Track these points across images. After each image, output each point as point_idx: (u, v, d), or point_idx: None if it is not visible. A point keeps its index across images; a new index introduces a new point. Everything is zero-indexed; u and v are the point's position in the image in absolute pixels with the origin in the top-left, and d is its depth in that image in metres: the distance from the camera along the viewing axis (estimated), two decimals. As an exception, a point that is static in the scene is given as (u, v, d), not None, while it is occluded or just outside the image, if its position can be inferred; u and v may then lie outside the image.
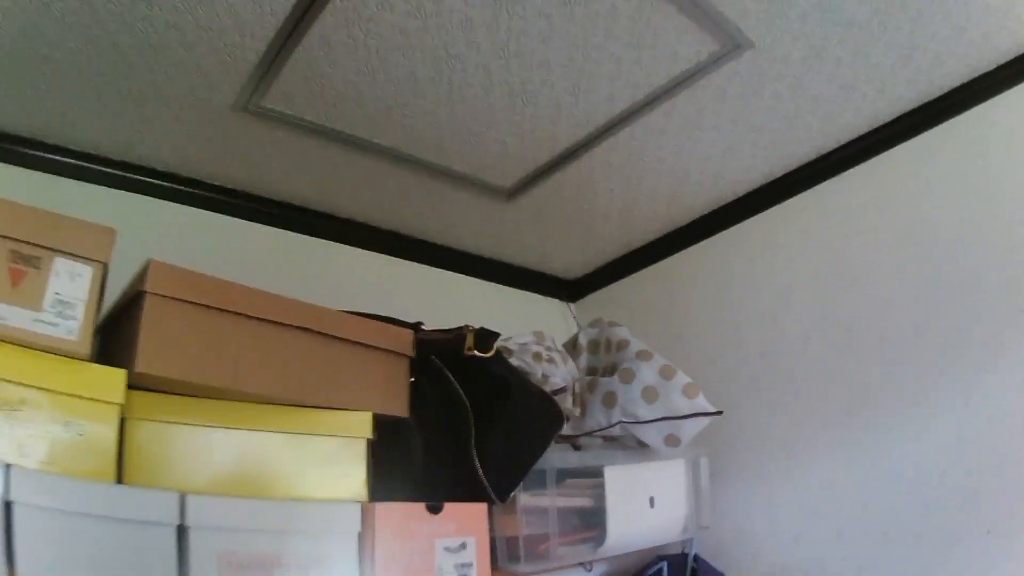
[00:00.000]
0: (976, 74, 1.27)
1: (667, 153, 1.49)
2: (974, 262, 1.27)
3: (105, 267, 0.87)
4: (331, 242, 1.69)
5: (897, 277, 1.38)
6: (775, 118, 1.38)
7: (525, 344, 1.44)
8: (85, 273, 0.84)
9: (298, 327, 1.02)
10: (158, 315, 0.87)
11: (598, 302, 2.08)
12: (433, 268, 1.85)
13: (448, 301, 1.79)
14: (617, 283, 2.01)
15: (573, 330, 2.06)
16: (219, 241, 1.49)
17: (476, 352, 1.20)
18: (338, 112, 1.33)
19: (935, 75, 1.27)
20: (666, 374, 1.35)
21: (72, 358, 0.81)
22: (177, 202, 1.48)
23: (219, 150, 1.42)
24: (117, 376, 0.83)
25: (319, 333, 1.04)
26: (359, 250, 1.73)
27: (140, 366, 0.84)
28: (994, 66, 1.26)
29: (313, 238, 1.67)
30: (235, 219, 1.55)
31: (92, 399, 0.80)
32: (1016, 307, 1.20)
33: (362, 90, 1.27)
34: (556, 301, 2.11)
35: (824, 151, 1.49)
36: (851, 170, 1.47)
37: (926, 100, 1.34)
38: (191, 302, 0.90)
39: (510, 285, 1.99)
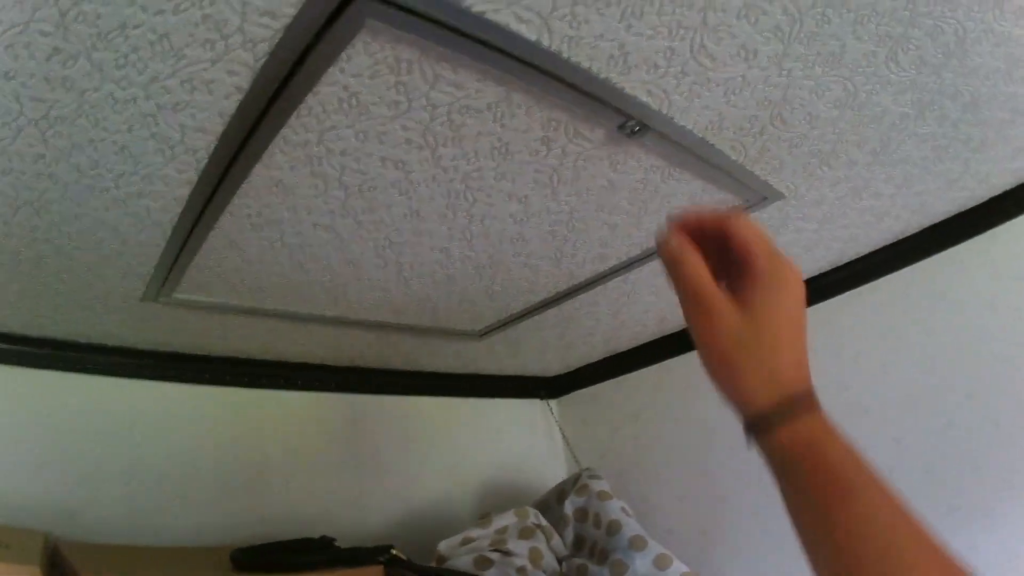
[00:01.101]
0: (1021, 182, 1.05)
1: (663, 289, 1.24)
2: (993, 400, 1.08)
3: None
4: (282, 391, 1.41)
5: (908, 411, 1.17)
6: (792, 247, 1.14)
7: (505, 528, 1.26)
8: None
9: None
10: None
11: (580, 401, 1.84)
12: (402, 396, 1.61)
13: (423, 427, 1.61)
14: (601, 384, 1.77)
15: (555, 431, 1.84)
16: (163, 409, 1.25)
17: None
18: (267, 295, 1.05)
19: (979, 191, 1.05)
20: (661, 564, 1.18)
21: None
22: (108, 375, 1.20)
23: (141, 327, 1.13)
24: None
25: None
26: (313, 393, 1.46)
27: None
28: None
29: (262, 390, 1.39)
30: (176, 384, 1.27)
31: None
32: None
33: (291, 278, 1.00)
34: (536, 401, 1.88)
35: (838, 264, 1.25)
36: (863, 286, 1.24)
37: (961, 211, 1.11)
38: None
39: (486, 396, 1.77)
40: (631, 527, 1.21)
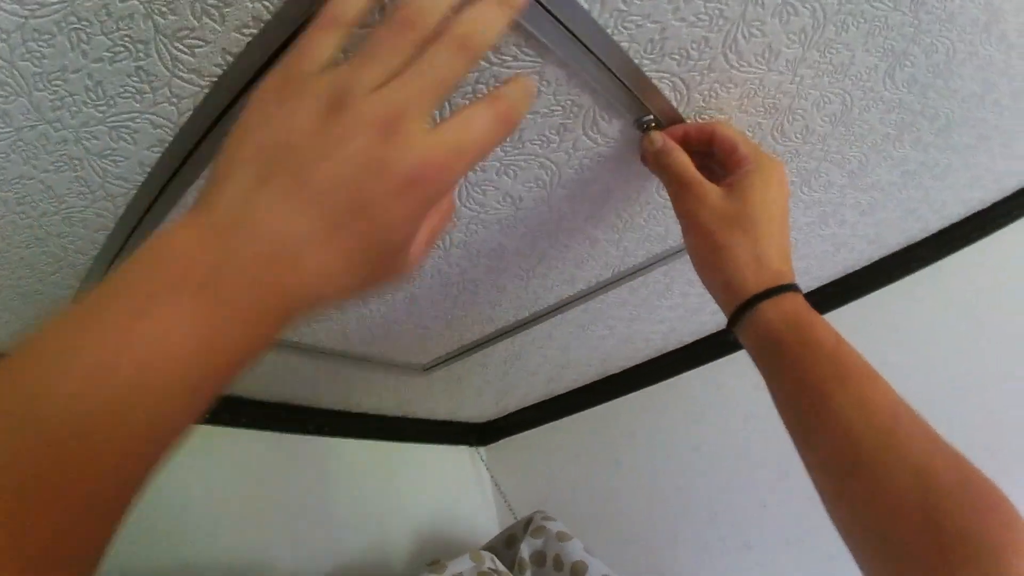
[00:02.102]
0: (971, 212, 1.12)
1: (620, 322, 1.23)
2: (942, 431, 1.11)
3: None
4: (206, 426, 1.29)
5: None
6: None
7: (460, 574, 1.16)
8: None
9: None
10: None
11: (512, 448, 1.79)
12: (334, 438, 1.51)
13: (356, 471, 1.52)
14: (535, 430, 1.73)
15: (485, 478, 1.77)
16: None
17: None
18: None
19: (932, 221, 1.11)
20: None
21: None
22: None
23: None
24: None
25: None
26: (240, 430, 1.34)
27: None
28: (987, 205, 1.11)
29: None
30: None
31: None
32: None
33: None
34: (465, 448, 1.82)
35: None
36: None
37: (911, 243, 1.17)
38: None
39: (418, 440, 1.69)
40: (597, 567, 1.16)
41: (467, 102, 0.64)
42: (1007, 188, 1.09)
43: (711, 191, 0.65)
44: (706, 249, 0.65)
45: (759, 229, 0.62)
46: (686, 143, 0.71)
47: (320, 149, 0.36)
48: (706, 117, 0.74)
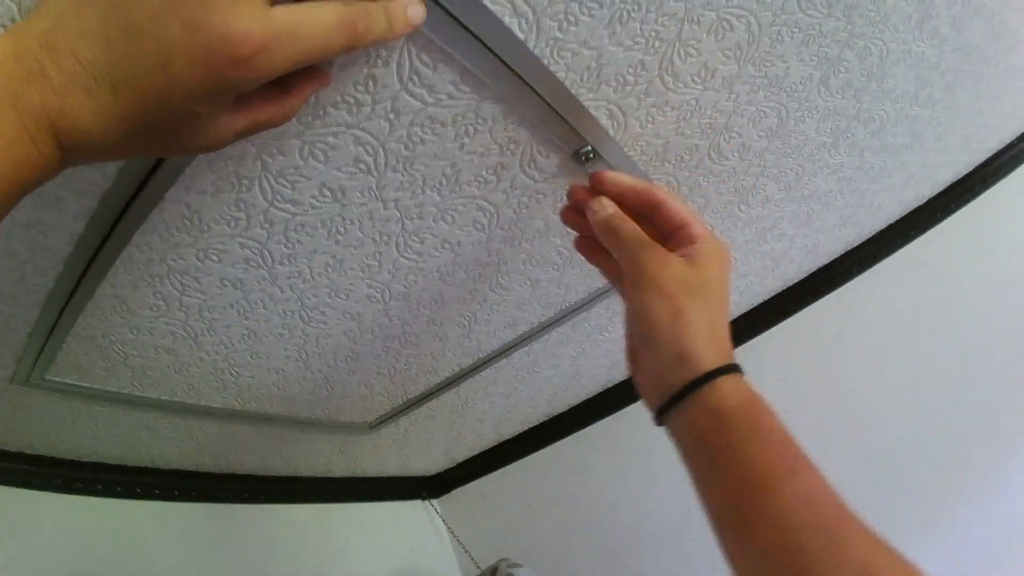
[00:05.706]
0: (907, 212, 1.13)
1: (564, 360, 1.19)
2: (876, 447, 1.11)
3: None
4: (158, 502, 1.20)
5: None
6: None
7: None
8: None
9: None
10: None
11: (466, 498, 1.71)
12: (285, 505, 1.42)
13: (311, 536, 1.42)
14: (487, 477, 1.65)
15: (443, 532, 1.70)
16: (29, 520, 1.02)
17: None
18: (150, 379, 0.88)
19: (868, 225, 1.11)
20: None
21: None
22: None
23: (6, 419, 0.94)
24: None
25: None
26: (191, 504, 1.25)
27: None
28: (922, 202, 1.12)
29: (137, 501, 1.17)
30: (44, 493, 1.06)
31: None
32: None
33: (181, 355, 0.84)
34: (419, 503, 1.73)
35: (735, 316, 1.27)
36: (753, 340, 1.26)
37: (849, 248, 1.17)
38: None
39: (369, 499, 1.60)
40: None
41: (397, 144, 0.59)
42: (941, 183, 1.10)
43: (672, 257, 0.59)
44: (666, 312, 0.58)
45: (715, 303, 0.58)
46: (624, 198, 0.65)
47: None
48: (643, 144, 0.71)
